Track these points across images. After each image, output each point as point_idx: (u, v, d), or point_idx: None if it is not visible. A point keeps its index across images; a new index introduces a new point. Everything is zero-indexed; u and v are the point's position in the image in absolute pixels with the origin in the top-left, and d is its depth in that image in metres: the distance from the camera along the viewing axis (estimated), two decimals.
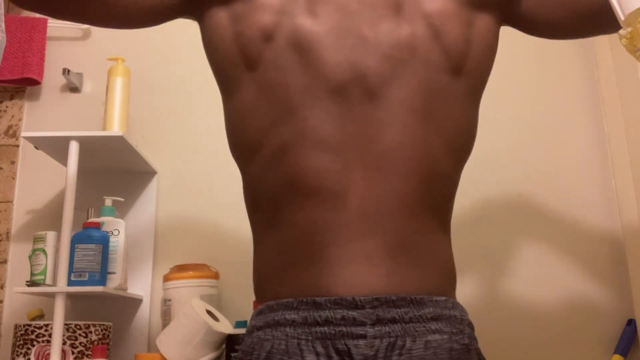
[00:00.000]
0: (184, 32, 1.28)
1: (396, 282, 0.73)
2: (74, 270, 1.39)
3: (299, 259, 0.74)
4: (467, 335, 0.75)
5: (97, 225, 1.47)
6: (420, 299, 0.72)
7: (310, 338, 0.70)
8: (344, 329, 0.70)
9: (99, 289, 1.37)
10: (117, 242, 1.49)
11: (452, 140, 0.79)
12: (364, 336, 0.70)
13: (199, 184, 1.72)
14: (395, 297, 0.71)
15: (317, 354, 0.69)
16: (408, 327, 0.71)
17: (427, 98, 0.77)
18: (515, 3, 0.86)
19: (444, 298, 0.75)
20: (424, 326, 0.71)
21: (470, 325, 0.77)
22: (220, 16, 0.80)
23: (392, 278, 0.73)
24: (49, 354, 1.37)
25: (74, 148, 1.43)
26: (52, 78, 1.80)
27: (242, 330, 1.44)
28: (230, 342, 1.43)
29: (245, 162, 0.81)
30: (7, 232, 1.69)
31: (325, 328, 0.70)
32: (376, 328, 0.70)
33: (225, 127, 0.84)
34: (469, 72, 0.79)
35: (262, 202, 0.79)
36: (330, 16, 0.77)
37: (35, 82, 1.76)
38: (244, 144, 0.80)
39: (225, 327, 1.45)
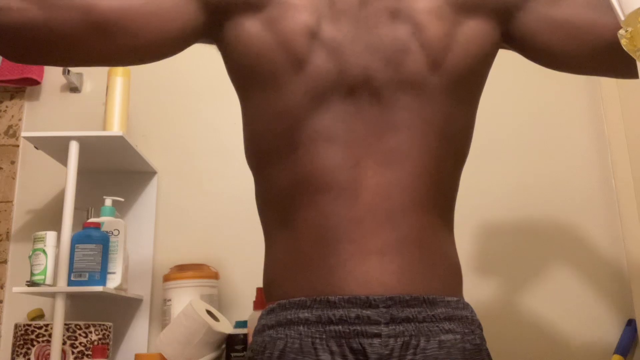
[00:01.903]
0: None
1: (408, 279, 0.73)
2: (74, 270, 1.39)
3: (312, 255, 0.75)
4: (478, 336, 0.76)
5: (97, 225, 1.47)
6: (433, 299, 0.73)
7: (324, 337, 0.70)
8: (358, 327, 0.70)
9: (99, 289, 1.37)
10: (117, 242, 1.49)
11: (449, 141, 0.81)
12: (378, 335, 0.70)
13: (199, 184, 1.72)
14: (409, 297, 0.72)
15: (332, 353, 0.70)
16: (422, 327, 0.71)
17: (422, 99, 0.78)
18: (515, 18, 0.84)
19: (455, 298, 0.76)
20: (437, 326, 0.72)
21: (479, 326, 0.78)
22: (251, 25, 0.79)
23: (403, 275, 0.73)
24: (49, 354, 1.37)
25: (74, 148, 1.43)
26: (52, 78, 1.80)
27: (242, 330, 1.45)
28: (230, 342, 1.43)
29: (262, 165, 0.82)
30: (7, 232, 1.69)
31: (340, 327, 0.71)
32: (390, 327, 0.71)
33: (247, 132, 0.84)
34: (448, 68, 0.79)
35: (275, 201, 0.80)
36: (347, 23, 0.80)
37: (35, 82, 1.77)
38: (265, 148, 0.80)
39: (225, 327, 1.45)
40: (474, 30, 0.82)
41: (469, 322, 0.75)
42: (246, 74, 0.82)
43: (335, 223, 0.74)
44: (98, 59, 0.80)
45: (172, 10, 0.79)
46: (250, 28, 0.79)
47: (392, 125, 0.77)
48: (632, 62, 0.70)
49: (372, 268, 0.73)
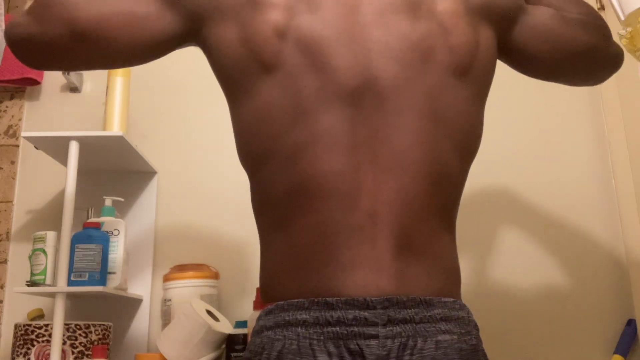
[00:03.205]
0: None
1: (405, 283, 0.73)
2: (74, 270, 1.39)
3: (311, 261, 0.75)
4: (474, 336, 0.76)
5: (97, 225, 1.47)
6: (430, 300, 0.73)
7: (322, 338, 0.71)
8: (356, 329, 0.71)
9: (98, 289, 1.37)
10: (117, 242, 1.49)
11: (460, 142, 0.80)
12: (375, 336, 0.70)
13: (199, 184, 1.72)
14: (406, 298, 0.72)
15: (330, 354, 0.70)
16: (419, 328, 0.72)
17: (436, 101, 0.78)
18: (511, 28, 0.89)
19: (451, 299, 0.76)
20: (434, 326, 0.72)
21: (476, 326, 0.78)
22: (226, 32, 0.80)
23: (401, 279, 0.73)
24: (49, 354, 1.37)
25: (74, 148, 1.43)
26: (52, 78, 1.80)
27: (242, 330, 1.45)
28: (230, 342, 1.43)
29: (256, 167, 0.81)
30: (7, 232, 1.69)
31: (337, 328, 0.71)
32: (387, 328, 0.71)
33: (236, 135, 0.84)
34: (474, 74, 0.81)
35: (273, 204, 0.79)
36: (339, 19, 0.78)
37: (35, 82, 1.76)
38: (256, 150, 0.80)
39: (225, 327, 1.45)
40: (487, 36, 0.83)
41: (465, 322, 0.76)
42: (229, 79, 0.82)
43: (335, 229, 0.74)
44: (90, 63, 0.89)
45: (145, 19, 0.83)
46: (226, 35, 0.80)
47: (397, 129, 0.76)
48: (606, 67, 0.82)
49: (370, 272, 0.73)
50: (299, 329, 0.72)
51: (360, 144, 0.75)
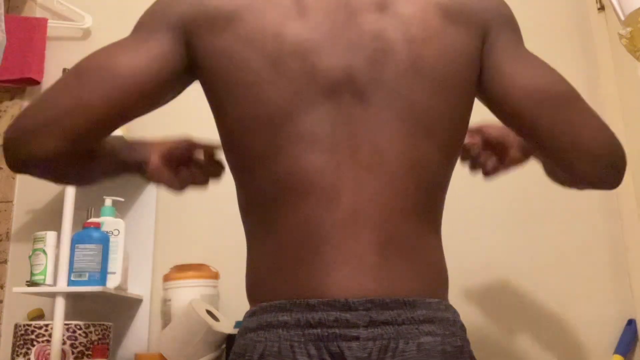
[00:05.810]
0: None
1: (388, 283, 0.73)
2: (74, 270, 1.39)
3: (293, 259, 0.75)
4: (459, 338, 0.75)
5: (97, 225, 1.47)
6: (413, 301, 0.72)
7: (303, 340, 0.70)
8: (337, 330, 0.70)
9: (98, 289, 1.37)
10: (117, 242, 1.49)
11: (441, 141, 0.79)
12: (357, 338, 0.70)
13: None
14: (389, 299, 0.71)
15: (310, 356, 0.69)
16: (401, 330, 0.71)
17: (406, 99, 0.77)
18: (485, 42, 0.84)
19: (436, 300, 0.75)
20: (416, 328, 0.71)
21: (462, 327, 0.77)
22: (220, 40, 0.79)
23: (384, 279, 0.73)
24: (49, 354, 1.37)
25: None
26: (52, 78, 1.80)
27: None
28: (230, 342, 1.43)
29: (242, 169, 0.82)
30: (7, 232, 1.69)
31: (318, 330, 0.70)
32: (369, 330, 0.70)
33: (224, 142, 0.84)
34: (432, 70, 0.78)
35: (257, 204, 0.80)
36: (323, 23, 0.79)
37: (35, 82, 1.77)
38: (247, 155, 0.80)
39: (225, 327, 1.45)
40: (457, 36, 0.81)
41: (450, 323, 0.75)
42: (219, 87, 0.82)
43: (316, 227, 0.74)
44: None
45: (159, 72, 0.85)
46: (220, 43, 0.79)
47: (375, 126, 0.76)
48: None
49: (352, 272, 0.72)
50: (280, 330, 0.72)
51: (340, 142, 0.75)
